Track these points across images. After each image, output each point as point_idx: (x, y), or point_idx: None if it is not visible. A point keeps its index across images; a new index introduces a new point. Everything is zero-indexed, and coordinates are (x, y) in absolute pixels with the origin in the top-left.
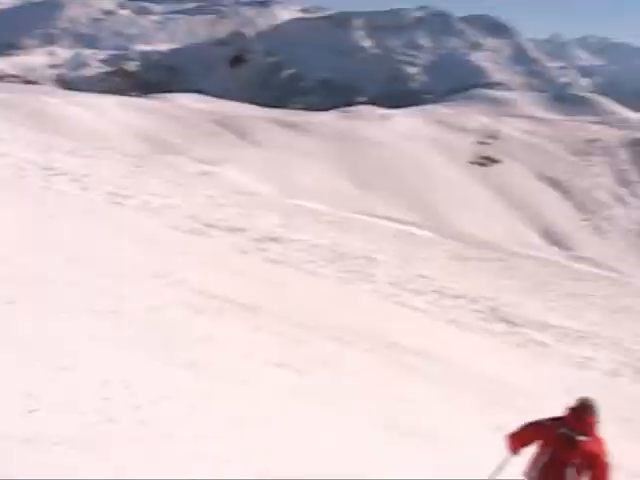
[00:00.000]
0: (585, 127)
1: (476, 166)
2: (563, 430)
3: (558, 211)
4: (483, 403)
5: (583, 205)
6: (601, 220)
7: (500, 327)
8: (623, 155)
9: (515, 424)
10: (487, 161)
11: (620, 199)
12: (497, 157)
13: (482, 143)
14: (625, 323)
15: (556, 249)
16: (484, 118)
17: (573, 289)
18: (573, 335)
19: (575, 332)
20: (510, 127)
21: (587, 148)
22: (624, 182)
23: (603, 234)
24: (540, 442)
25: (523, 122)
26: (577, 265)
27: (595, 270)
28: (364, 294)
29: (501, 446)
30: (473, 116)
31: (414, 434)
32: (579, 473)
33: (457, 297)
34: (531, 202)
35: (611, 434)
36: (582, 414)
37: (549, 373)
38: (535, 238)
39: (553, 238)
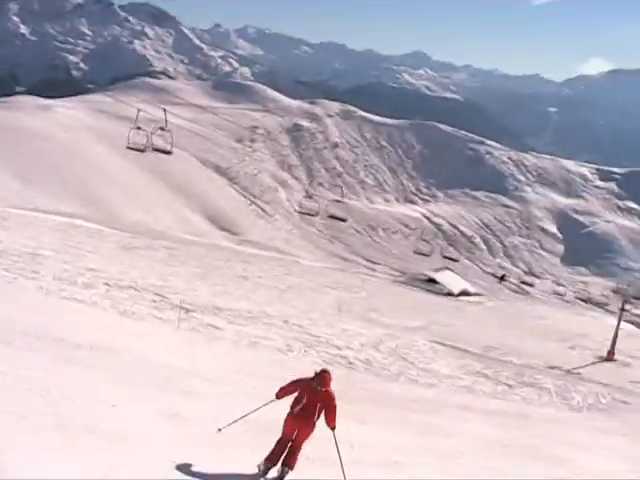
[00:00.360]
0: (247, 114)
1: (141, 155)
2: (313, 384)
3: (224, 197)
4: (157, 390)
5: (248, 190)
6: (266, 204)
7: (172, 314)
8: (284, 141)
9: (190, 408)
10: (153, 150)
11: (283, 183)
12: (163, 146)
13: (141, 129)
14: (293, 301)
15: (224, 234)
16: (148, 107)
17: (242, 272)
18: (244, 316)
19: (246, 313)
20: (174, 116)
21: (250, 135)
22: (286, 166)
23: (269, 217)
24: (299, 391)
25: (187, 110)
26: (245, 249)
27: (263, 252)
28: (29, 291)
29: (176, 434)
30: (137, 105)
31: (91, 431)
32: (321, 410)
33: (127, 288)
34: (198, 189)
35: (287, 404)
36: (323, 375)
37: (223, 354)
38: (203, 225)
39: (221, 224)
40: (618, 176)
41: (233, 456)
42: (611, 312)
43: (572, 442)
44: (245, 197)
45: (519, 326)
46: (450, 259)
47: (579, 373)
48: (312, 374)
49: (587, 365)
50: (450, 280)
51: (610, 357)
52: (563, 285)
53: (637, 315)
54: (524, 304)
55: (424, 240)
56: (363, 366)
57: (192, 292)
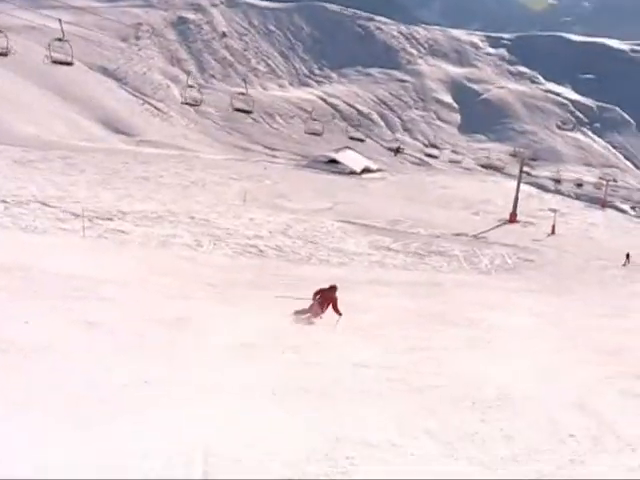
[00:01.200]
0: (129, 11)
1: (25, 65)
2: (326, 289)
3: (115, 99)
4: (68, 301)
5: (139, 90)
6: (159, 102)
7: (76, 224)
8: (170, 35)
9: (104, 314)
10: (52, 63)
11: (174, 78)
12: (63, 58)
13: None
14: (197, 196)
15: (121, 137)
16: (25, 13)
17: (143, 173)
18: (150, 217)
19: (151, 214)
20: (53, 20)
21: (134, 33)
22: (175, 61)
23: (163, 115)
24: (321, 293)
25: (66, 13)
26: (143, 149)
27: (162, 151)
28: None
29: (93, 341)
30: (13, 12)
31: (5, 350)
32: (329, 305)
33: (26, 203)
34: (88, 95)
35: (199, 297)
36: (331, 287)
37: (132, 257)
38: (98, 130)
39: (116, 127)
40: (507, 42)
41: (154, 358)
42: (510, 175)
43: (483, 304)
44: (137, 97)
45: (423, 198)
46: (356, 139)
47: (485, 237)
48: (327, 286)
49: (492, 229)
50: (351, 159)
51: (513, 219)
52: (463, 154)
53: (535, 176)
54: (426, 175)
55: (314, 119)
56: (274, 252)
57: (94, 199)
